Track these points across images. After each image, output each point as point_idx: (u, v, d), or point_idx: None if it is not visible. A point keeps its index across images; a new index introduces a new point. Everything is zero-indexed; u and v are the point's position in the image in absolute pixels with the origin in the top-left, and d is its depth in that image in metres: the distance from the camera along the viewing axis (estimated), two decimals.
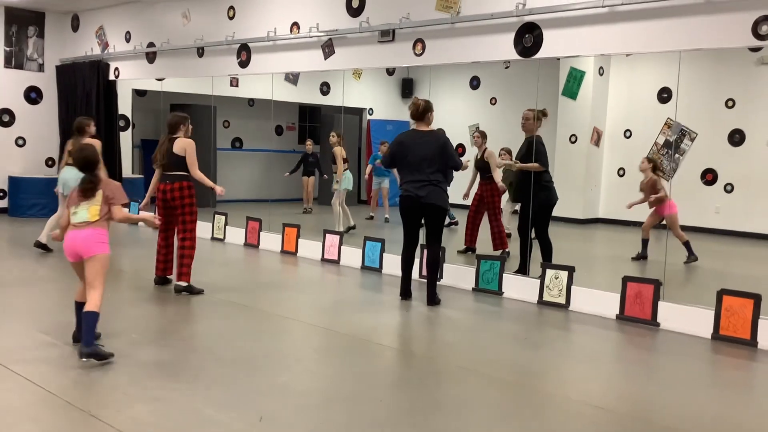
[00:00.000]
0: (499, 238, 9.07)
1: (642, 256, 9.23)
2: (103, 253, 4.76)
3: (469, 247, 9.24)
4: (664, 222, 9.13)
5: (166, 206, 6.89)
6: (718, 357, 5.56)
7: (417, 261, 7.35)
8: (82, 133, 8.45)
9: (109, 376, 4.49)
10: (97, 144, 7.18)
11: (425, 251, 7.25)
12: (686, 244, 9.04)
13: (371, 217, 12.26)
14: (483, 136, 9.40)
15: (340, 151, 10.90)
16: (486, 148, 9.26)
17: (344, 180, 11.00)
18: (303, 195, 13.95)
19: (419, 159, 6.56)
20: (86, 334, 4.67)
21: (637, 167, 9.63)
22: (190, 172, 6.83)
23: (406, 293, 6.92)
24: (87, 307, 4.67)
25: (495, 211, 9.16)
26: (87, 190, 4.79)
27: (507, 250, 8.93)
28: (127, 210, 4.91)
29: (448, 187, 6.75)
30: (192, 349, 5.18)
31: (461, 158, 7.07)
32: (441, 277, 7.64)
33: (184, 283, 6.86)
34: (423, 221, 6.79)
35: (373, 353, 5.33)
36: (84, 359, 4.63)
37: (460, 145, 12.59)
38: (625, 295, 6.40)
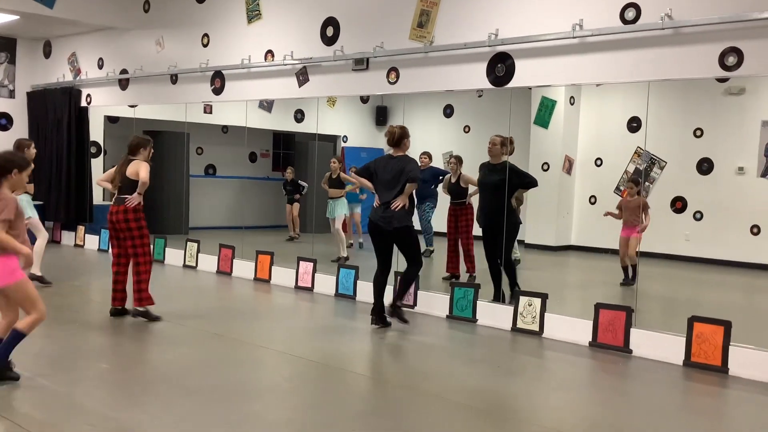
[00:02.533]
0: (471, 263, 9.14)
1: (628, 282, 9.20)
2: (19, 279, 4.52)
3: (453, 274, 9.26)
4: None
5: (114, 229, 6.76)
6: (690, 384, 5.59)
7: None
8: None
9: (77, 405, 4.39)
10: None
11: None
12: (634, 268, 9.10)
13: (350, 245, 12.18)
14: (459, 161, 9.53)
15: (345, 176, 10.97)
16: (461, 173, 9.36)
17: (342, 205, 11.02)
18: (287, 222, 13.82)
19: (384, 182, 6.73)
20: (3, 346, 4.57)
21: (614, 193, 9.70)
22: (138, 189, 6.65)
23: (377, 319, 6.91)
24: (17, 325, 4.57)
25: (469, 235, 9.24)
26: None
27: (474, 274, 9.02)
28: (7, 235, 4.45)
29: (413, 204, 6.84)
30: (162, 379, 5.09)
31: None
32: (414, 303, 7.64)
33: (141, 309, 6.74)
34: (393, 244, 6.85)
35: (346, 381, 5.29)
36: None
37: None
38: (598, 322, 6.43)
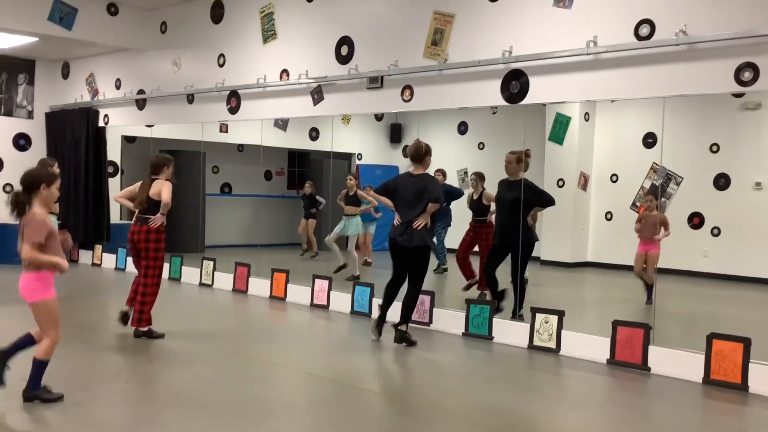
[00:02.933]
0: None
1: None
2: (42, 299, 4.53)
3: (470, 283, 9.24)
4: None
5: (136, 249, 6.82)
6: (710, 402, 5.53)
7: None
8: None
9: (95, 423, 4.40)
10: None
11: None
12: (651, 287, 8.97)
13: (367, 263, 12.11)
14: (480, 178, 9.55)
15: (362, 193, 11.00)
16: (483, 190, 9.38)
17: (357, 224, 11.02)
18: (300, 234, 13.78)
19: (406, 201, 6.77)
20: (31, 380, 4.61)
21: (631, 209, 9.64)
22: (161, 210, 6.69)
23: (377, 328, 6.98)
24: (36, 354, 4.59)
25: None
26: (11, 208, 4.55)
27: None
28: (31, 248, 4.46)
29: (434, 224, 6.97)
30: (179, 397, 5.10)
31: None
32: (430, 321, 7.62)
33: (144, 329, 6.78)
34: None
35: (361, 399, 5.27)
36: (26, 401, 4.61)
37: None
38: (616, 340, 6.37)
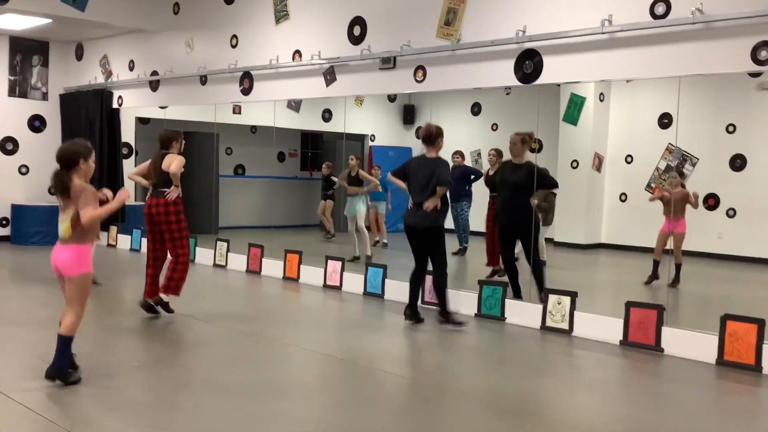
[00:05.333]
0: (496, 255, 9.03)
1: (654, 278, 9.09)
2: (81, 273, 4.64)
3: (495, 268, 9.12)
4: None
5: (152, 222, 6.78)
6: (723, 383, 5.52)
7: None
8: None
9: (109, 404, 4.46)
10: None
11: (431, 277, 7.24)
12: (679, 267, 8.97)
13: (377, 243, 12.13)
14: (499, 154, 9.50)
15: (364, 173, 11.01)
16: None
17: (361, 203, 10.99)
18: (324, 221, 13.55)
19: (417, 184, 6.78)
20: (56, 356, 4.65)
21: (646, 190, 9.58)
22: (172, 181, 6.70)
23: (410, 314, 6.97)
24: (61, 330, 4.64)
25: None
26: (57, 189, 4.64)
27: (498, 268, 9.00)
28: (91, 209, 4.60)
29: (446, 205, 6.87)
30: (192, 377, 5.15)
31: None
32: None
33: (164, 296, 6.80)
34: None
35: (374, 380, 5.30)
36: (49, 380, 4.65)
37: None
38: (629, 321, 6.36)
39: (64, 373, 4.68)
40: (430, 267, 7.03)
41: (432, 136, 6.84)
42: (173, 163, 6.69)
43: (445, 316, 6.89)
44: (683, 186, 9.45)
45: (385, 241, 12.22)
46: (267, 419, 4.28)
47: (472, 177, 10.47)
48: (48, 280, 8.61)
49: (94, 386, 4.74)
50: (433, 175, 6.69)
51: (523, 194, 7.54)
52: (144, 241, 7.31)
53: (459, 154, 10.48)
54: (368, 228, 11.16)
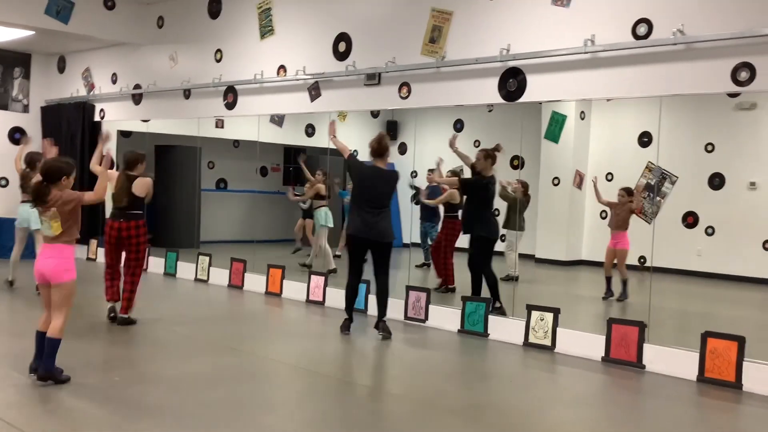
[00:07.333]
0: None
1: (610, 296, 9.42)
2: (69, 280, 4.95)
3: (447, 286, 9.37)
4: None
5: (119, 244, 7.07)
6: (704, 400, 5.56)
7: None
8: (33, 168, 8.64)
9: (91, 418, 4.41)
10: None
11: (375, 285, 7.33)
12: (625, 282, 9.27)
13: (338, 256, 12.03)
14: (454, 174, 9.67)
15: (322, 188, 11.08)
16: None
17: (324, 217, 11.04)
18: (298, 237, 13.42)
19: (375, 195, 6.93)
20: (47, 358, 4.88)
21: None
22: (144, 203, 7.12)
23: (347, 327, 7.11)
24: (49, 333, 4.89)
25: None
26: (35, 197, 4.90)
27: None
28: (91, 192, 5.18)
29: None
30: (175, 391, 5.10)
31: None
32: (426, 318, 7.65)
33: (126, 316, 7.05)
34: (370, 254, 7.05)
35: (357, 395, 5.28)
36: (41, 382, 4.86)
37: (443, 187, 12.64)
38: (611, 338, 6.40)
39: (54, 374, 4.90)
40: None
41: (384, 149, 7.04)
42: (149, 193, 7.08)
43: (383, 322, 7.01)
44: (631, 202, 9.59)
45: (339, 253, 12.05)
46: None
47: None
48: (29, 293, 8.52)
49: (72, 398, 4.70)
50: (394, 188, 7.04)
51: (482, 205, 7.98)
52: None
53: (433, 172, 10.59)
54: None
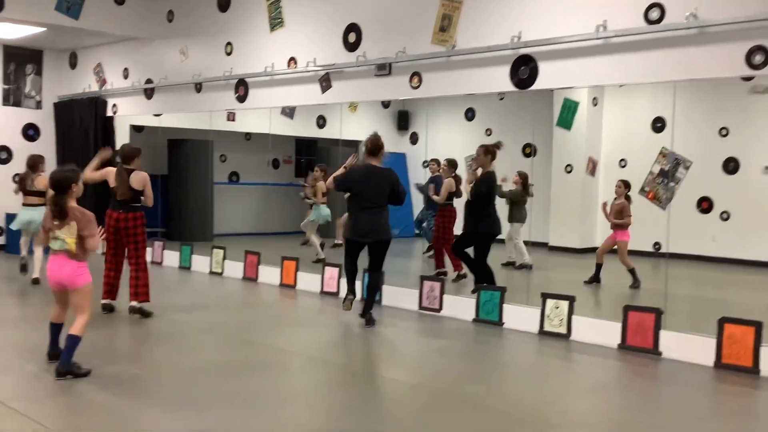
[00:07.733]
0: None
1: (595, 280, 9.51)
2: (85, 283, 5.07)
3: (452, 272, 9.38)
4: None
5: (118, 234, 7.21)
6: (722, 386, 5.54)
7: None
8: (35, 170, 8.73)
9: (111, 412, 4.45)
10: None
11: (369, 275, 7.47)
12: (632, 271, 9.28)
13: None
14: (450, 165, 9.72)
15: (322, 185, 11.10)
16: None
17: (320, 214, 11.12)
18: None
19: (372, 194, 6.95)
20: (65, 354, 4.98)
21: (639, 194, 9.75)
22: (146, 203, 7.24)
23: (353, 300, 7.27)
24: (71, 330, 4.98)
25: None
26: (55, 213, 5.02)
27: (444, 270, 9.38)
28: (97, 238, 5.26)
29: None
30: (192, 384, 5.14)
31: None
32: (441, 307, 7.65)
33: (137, 304, 7.15)
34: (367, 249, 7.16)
35: (375, 386, 5.30)
36: (59, 378, 4.92)
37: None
38: (627, 325, 6.38)
39: (72, 369, 4.98)
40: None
41: (379, 148, 7.06)
42: (146, 187, 7.16)
43: (370, 314, 7.10)
44: (627, 197, 9.56)
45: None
46: (268, 427, 4.29)
47: None
48: (43, 289, 8.59)
49: (90, 390, 4.75)
50: (391, 185, 6.98)
51: (484, 202, 7.99)
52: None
53: (435, 162, 10.58)
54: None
